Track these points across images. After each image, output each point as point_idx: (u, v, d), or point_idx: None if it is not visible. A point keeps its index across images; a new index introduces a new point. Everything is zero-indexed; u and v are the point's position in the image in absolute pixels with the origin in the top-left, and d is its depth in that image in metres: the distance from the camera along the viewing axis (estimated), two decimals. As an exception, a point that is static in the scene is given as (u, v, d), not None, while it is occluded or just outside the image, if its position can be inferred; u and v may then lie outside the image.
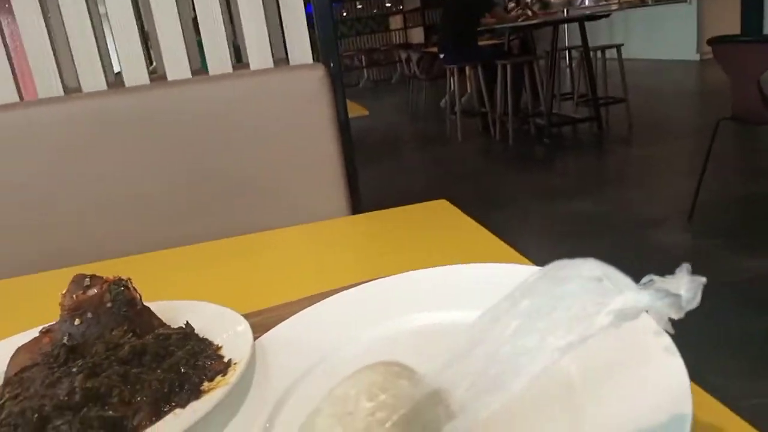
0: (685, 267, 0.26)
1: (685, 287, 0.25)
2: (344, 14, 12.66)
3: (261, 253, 0.79)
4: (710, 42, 2.46)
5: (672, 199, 3.12)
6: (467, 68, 5.70)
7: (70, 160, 1.06)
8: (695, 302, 0.25)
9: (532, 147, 4.91)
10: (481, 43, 5.72)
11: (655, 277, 0.28)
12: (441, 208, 0.83)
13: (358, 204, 1.25)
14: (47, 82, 1.15)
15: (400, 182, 4.42)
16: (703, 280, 0.26)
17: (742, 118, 2.50)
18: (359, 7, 12.74)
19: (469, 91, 6.48)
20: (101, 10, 1.21)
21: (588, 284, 0.25)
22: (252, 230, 1.07)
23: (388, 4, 12.92)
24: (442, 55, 5.62)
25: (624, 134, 4.79)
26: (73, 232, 1.07)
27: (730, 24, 7.90)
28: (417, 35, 12.71)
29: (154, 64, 2.35)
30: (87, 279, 0.42)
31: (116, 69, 1.77)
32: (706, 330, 1.86)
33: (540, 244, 2.81)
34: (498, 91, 5.00)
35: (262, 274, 0.70)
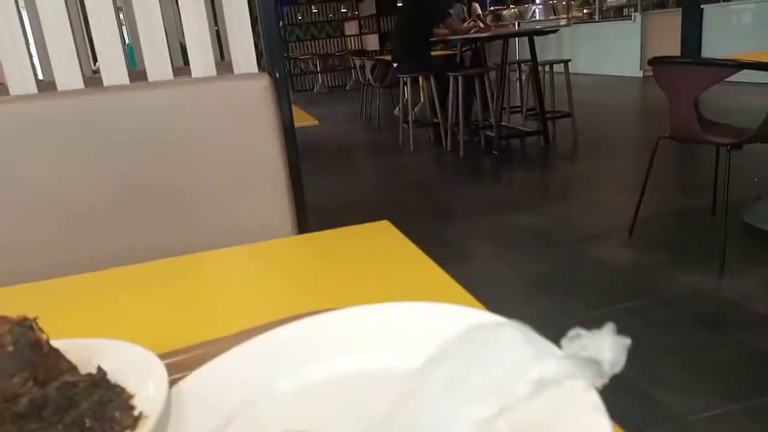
0: (610, 326, 0.26)
1: (609, 349, 0.25)
2: (299, 18, 12.57)
3: (195, 277, 0.75)
4: (651, 62, 2.54)
5: (613, 214, 3.22)
6: (420, 78, 5.74)
7: (-8, 168, 1.00)
8: (619, 366, 0.24)
9: (482, 158, 4.98)
10: (433, 53, 5.77)
11: (582, 332, 0.27)
12: (384, 230, 0.82)
13: (303, 220, 1.22)
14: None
15: (351, 192, 4.40)
16: (628, 341, 0.25)
17: (680, 137, 2.60)
18: (314, 11, 12.68)
19: (422, 100, 6.53)
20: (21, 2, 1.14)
21: (508, 349, 0.24)
22: (191, 245, 1.03)
23: (343, 10, 12.90)
24: (395, 65, 5.64)
25: (569, 149, 4.92)
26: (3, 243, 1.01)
27: (672, 42, 8.25)
28: (372, 42, 12.75)
29: (96, 64, 2.27)
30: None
31: (41, 74, 1.69)
32: (649, 344, 1.92)
33: (485, 257, 2.84)
34: (450, 102, 5.06)
35: (196, 301, 0.67)
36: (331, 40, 12.94)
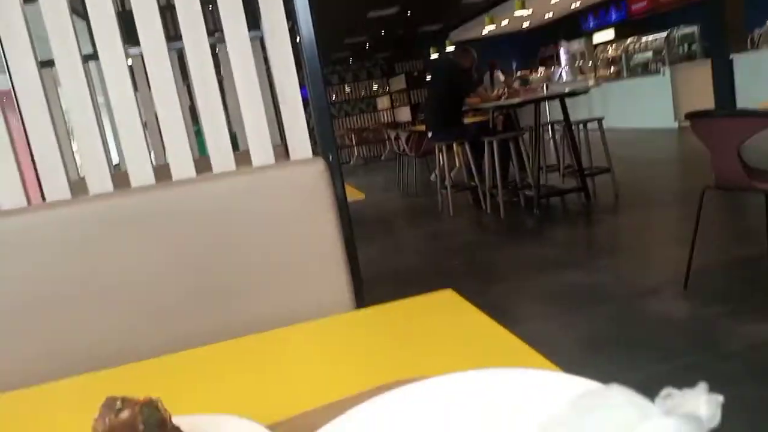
0: (703, 385, 0.28)
1: (704, 407, 0.27)
2: (334, 97, 13.11)
3: (269, 355, 0.79)
4: (688, 116, 2.57)
5: (664, 266, 3.15)
6: (455, 144, 5.87)
7: (74, 262, 1.08)
8: (716, 421, 0.27)
9: (523, 218, 4.98)
10: (466, 120, 5.92)
11: (673, 391, 0.30)
12: (447, 299, 0.85)
13: (360, 293, 1.26)
14: (54, 184, 1.18)
15: (395, 260, 4.44)
16: (721, 398, 0.28)
17: (725, 186, 2.57)
18: (348, 90, 13.24)
19: (458, 165, 6.64)
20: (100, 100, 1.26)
21: (614, 412, 0.27)
22: (256, 326, 1.08)
23: (375, 87, 13.43)
24: (430, 134, 5.79)
25: (611, 203, 4.88)
26: (81, 335, 1.07)
27: (704, 92, 8.26)
28: (404, 114, 13.14)
29: (154, 155, 2.43)
30: (118, 402, 0.43)
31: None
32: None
33: (536, 318, 2.81)
34: (486, 165, 5.13)
35: (276, 376, 0.71)
36: (365, 114, 13.41)
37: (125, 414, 0.42)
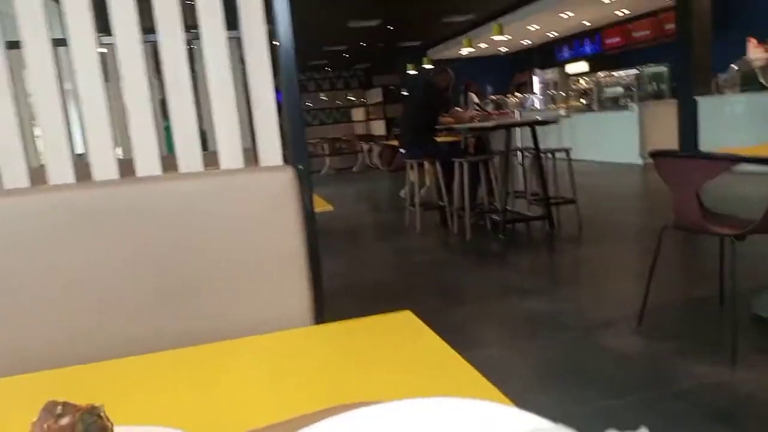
0: (644, 430, 0.28)
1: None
2: (309, 104, 13.08)
3: (219, 367, 0.77)
4: (652, 155, 2.64)
5: (621, 301, 3.22)
6: (426, 162, 5.91)
7: (27, 255, 1.04)
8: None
9: (488, 242, 5.03)
10: (439, 139, 5.97)
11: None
12: (405, 320, 0.84)
13: (320, 305, 1.24)
14: (13, 171, 1.14)
15: (359, 273, 4.43)
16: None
17: (684, 227, 2.65)
18: (324, 98, 13.23)
19: (428, 183, 6.68)
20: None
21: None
22: (212, 331, 1.05)
23: (351, 98, 13.45)
24: (402, 150, 5.82)
25: (574, 234, 4.97)
26: (30, 332, 1.03)
27: (669, 131, 8.52)
28: (378, 127, 13.19)
29: (119, 148, 2.37)
30: (59, 406, 0.41)
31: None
32: (659, 437, 1.88)
33: (493, 343, 2.83)
34: (456, 186, 5.18)
35: (220, 392, 0.69)
36: (339, 124, 13.41)
37: (65, 420, 0.40)
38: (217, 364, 0.79)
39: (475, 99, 10.37)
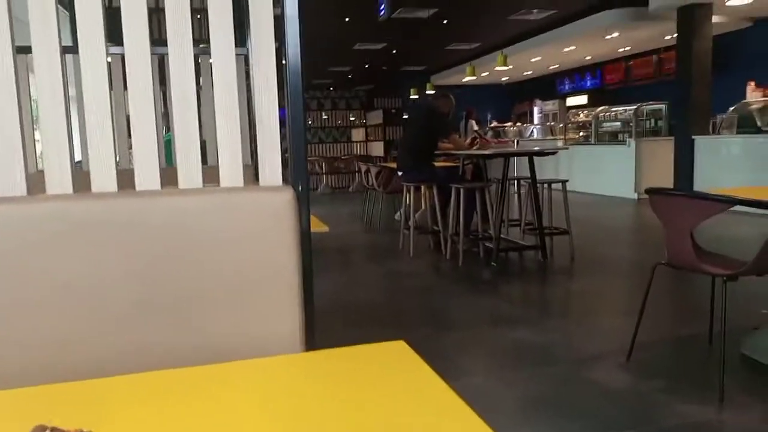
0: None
1: None
2: (309, 122, 13.14)
3: (206, 392, 0.77)
4: (647, 192, 2.66)
5: (610, 336, 3.21)
6: (423, 186, 5.93)
7: (22, 264, 1.03)
8: None
9: (481, 269, 5.03)
10: (437, 164, 6.00)
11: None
12: (398, 350, 0.84)
13: (311, 328, 1.24)
14: (11, 179, 1.14)
15: (350, 295, 4.41)
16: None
17: (676, 265, 2.66)
18: (324, 117, 13.31)
19: (423, 206, 6.70)
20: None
21: None
22: (202, 350, 1.04)
23: (352, 118, 13.54)
24: (400, 173, 5.84)
25: (567, 265, 4.98)
26: (18, 341, 1.02)
27: (665, 168, 8.59)
28: (377, 148, 13.25)
29: (118, 159, 2.37)
30: (48, 430, 0.41)
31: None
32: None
33: (481, 373, 2.81)
34: (451, 212, 5.19)
35: (208, 418, 0.68)
36: (338, 144, 13.47)
37: (51, 444, 0.40)
38: (206, 388, 0.78)
39: (475, 126, 10.47)
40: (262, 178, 1.29)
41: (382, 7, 8.41)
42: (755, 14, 9.01)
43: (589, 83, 15.11)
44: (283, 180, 1.33)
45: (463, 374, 2.75)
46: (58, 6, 1.22)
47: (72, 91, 1.36)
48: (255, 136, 1.32)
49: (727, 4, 6.34)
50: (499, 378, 2.71)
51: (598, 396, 2.48)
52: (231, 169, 1.25)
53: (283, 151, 1.34)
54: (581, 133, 12.70)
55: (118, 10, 1.22)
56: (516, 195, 6.52)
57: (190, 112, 1.23)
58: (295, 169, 1.33)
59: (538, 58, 13.41)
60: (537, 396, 2.51)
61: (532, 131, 14.19)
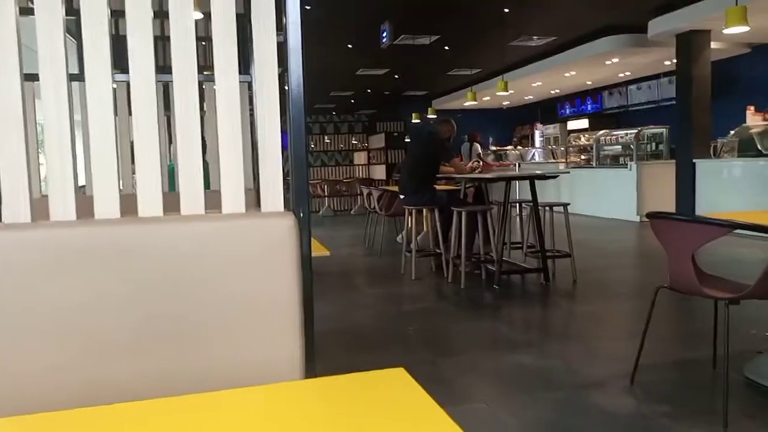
0: None
1: None
2: (312, 146, 13.24)
3: (206, 421, 0.77)
4: (649, 216, 2.66)
5: (613, 360, 3.19)
6: (424, 209, 5.95)
7: (29, 289, 1.04)
8: None
9: (483, 292, 5.02)
10: (439, 187, 6.03)
11: None
12: (397, 378, 0.84)
13: (311, 354, 1.24)
14: (15, 207, 1.15)
15: (351, 318, 4.40)
16: None
17: (678, 289, 2.65)
18: (327, 141, 13.41)
19: (425, 229, 6.71)
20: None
21: None
22: (201, 376, 1.04)
23: (354, 141, 13.64)
24: (402, 196, 5.87)
25: (569, 288, 4.96)
26: (19, 366, 1.02)
27: (666, 190, 8.61)
28: (379, 172, 13.31)
29: (122, 185, 2.39)
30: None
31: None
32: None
33: (483, 398, 2.79)
34: (453, 235, 5.20)
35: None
36: (340, 167, 13.55)
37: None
38: (205, 415, 0.78)
39: (479, 149, 10.53)
40: (263, 204, 1.30)
41: (384, 34, 8.53)
42: (753, 40, 9.10)
43: (590, 107, 15.22)
44: (284, 205, 1.34)
45: (465, 400, 2.72)
46: (66, 35, 1.25)
47: (78, 115, 1.38)
48: (257, 162, 1.34)
49: (723, 32, 6.42)
50: (502, 403, 2.69)
51: (603, 421, 2.45)
52: (233, 196, 1.26)
53: (285, 174, 1.35)
54: (582, 157, 12.74)
55: (124, 37, 1.25)
56: (518, 218, 6.55)
57: (193, 139, 1.24)
58: (296, 196, 1.34)
59: (539, 83, 13.54)
60: (540, 422, 2.49)
61: (534, 154, 14.25)
